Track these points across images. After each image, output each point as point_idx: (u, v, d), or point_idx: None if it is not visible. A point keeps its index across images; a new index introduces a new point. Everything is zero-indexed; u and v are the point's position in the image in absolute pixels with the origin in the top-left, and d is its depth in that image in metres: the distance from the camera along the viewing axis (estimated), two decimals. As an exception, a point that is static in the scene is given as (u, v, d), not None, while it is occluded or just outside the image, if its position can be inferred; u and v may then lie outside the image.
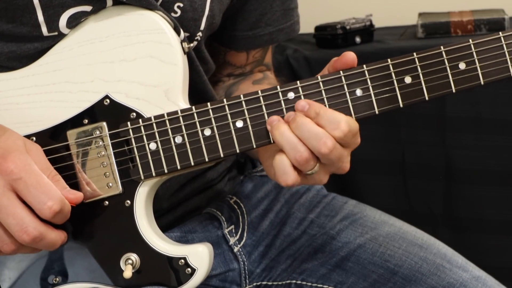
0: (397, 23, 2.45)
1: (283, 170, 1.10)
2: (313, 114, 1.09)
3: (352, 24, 2.22)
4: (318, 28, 2.27)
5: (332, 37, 2.22)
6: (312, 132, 1.08)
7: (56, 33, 1.16)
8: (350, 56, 1.12)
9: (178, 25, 1.18)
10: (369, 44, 2.23)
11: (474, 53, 1.12)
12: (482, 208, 2.08)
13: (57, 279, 1.15)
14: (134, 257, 1.14)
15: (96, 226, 1.15)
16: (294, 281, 1.34)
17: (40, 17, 1.14)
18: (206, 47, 1.37)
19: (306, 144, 1.08)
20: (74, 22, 1.16)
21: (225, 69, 1.47)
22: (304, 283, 1.34)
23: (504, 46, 1.12)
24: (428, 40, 2.15)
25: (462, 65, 1.12)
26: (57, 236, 1.08)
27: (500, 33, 1.13)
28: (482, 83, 1.13)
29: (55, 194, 1.04)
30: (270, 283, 1.36)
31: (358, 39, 2.22)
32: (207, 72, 1.39)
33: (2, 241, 1.06)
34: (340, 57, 1.13)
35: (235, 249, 1.35)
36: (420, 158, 2.03)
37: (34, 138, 1.14)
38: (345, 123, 1.08)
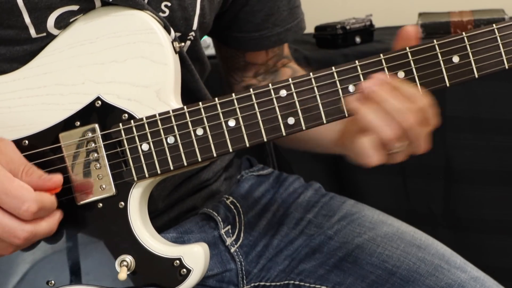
0: (397, 23, 2.44)
1: (366, 152, 1.09)
2: (392, 88, 1.08)
3: (352, 24, 2.22)
4: (318, 28, 2.27)
5: (332, 37, 2.21)
6: (396, 108, 1.07)
7: (44, 34, 1.16)
8: (407, 31, 1.13)
9: (168, 24, 1.18)
10: (369, 44, 2.23)
11: (468, 46, 1.11)
12: (482, 208, 2.07)
13: (53, 282, 1.15)
14: (129, 259, 1.14)
15: (90, 228, 1.15)
16: (292, 282, 1.34)
17: (27, 19, 1.14)
18: (223, 52, 1.37)
19: (391, 121, 1.07)
20: (62, 22, 1.15)
21: (249, 70, 1.47)
22: (302, 283, 1.33)
23: (498, 38, 1.12)
24: (428, 40, 2.14)
25: (455, 59, 1.12)
26: (49, 224, 1.08)
27: (494, 25, 1.12)
28: (477, 76, 1.12)
29: (27, 196, 1.04)
30: (268, 284, 1.35)
31: (358, 39, 2.22)
32: (203, 72, 1.39)
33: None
34: (398, 35, 1.13)
35: (232, 250, 1.35)
36: (420, 158, 2.02)
37: (27, 141, 1.14)
38: (420, 97, 1.08)
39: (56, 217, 1.10)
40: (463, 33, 1.12)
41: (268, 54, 1.46)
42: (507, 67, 1.12)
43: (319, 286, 1.32)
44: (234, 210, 1.39)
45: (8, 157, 1.08)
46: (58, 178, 1.09)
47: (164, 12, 1.22)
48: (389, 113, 1.07)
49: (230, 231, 1.36)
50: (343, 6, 2.56)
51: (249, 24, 1.40)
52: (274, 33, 1.41)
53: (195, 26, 1.27)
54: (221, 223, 1.36)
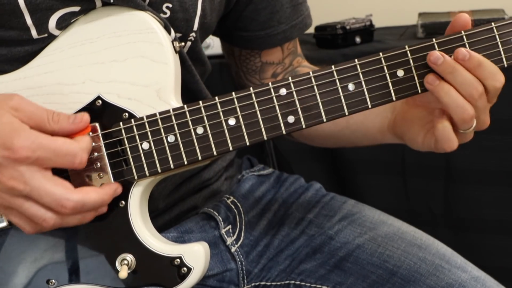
0: (397, 23, 2.45)
1: (448, 136, 1.12)
2: (475, 64, 1.10)
3: (352, 24, 2.22)
4: (318, 28, 2.27)
5: (332, 37, 2.21)
6: (478, 87, 1.10)
7: (46, 35, 1.16)
8: (460, 19, 1.13)
9: (168, 24, 1.18)
10: (369, 44, 2.23)
11: (467, 44, 1.12)
12: (482, 208, 2.07)
13: (53, 281, 1.15)
14: (129, 257, 1.14)
15: (90, 227, 1.14)
16: (292, 282, 1.34)
17: (29, 21, 1.14)
18: (236, 56, 1.37)
19: (472, 99, 1.10)
20: (63, 24, 1.16)
21: (267, 71, 1.47)
22: (303, 283, 1.33)
23: (497, 36, 1.12)
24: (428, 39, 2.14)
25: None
26: (100, 194, 1.09)
27: (493, 23, 1.12)
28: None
29: (75, 149, 1.05)
30: (268, 284, 1.35)
31: (358, 39, 2.22)
32: (203, 73, 1.39)
33: (42, 216, 1.05)
34: (452, 23, 1.14)
35: (233, 249, 1.35)
36: (420, 158, 2.02)
37: None
38: (502, 75, 1.11)
39: (108, 189, 1.11)
40: (462, 31, 1.12)
41: (283, 52, 1.46)
42: (506, 65, 1.13)
43: (320, 286, 1.32)
44: (235, 210, 1.39)
45: (28, 111, 1.07)
46: (86, 117, 1.10)
47: (165, 13, 1.22)
48: (472, 96, 1.10)
49: (230, 230, 1.36)
50: (343, 6, 2.56)
51: (254, 22, 1.40)
52: (280, 30, 1.42)
53: (195, 27, 1.27)
54: (222, 222, 1.36)
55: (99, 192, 1.09)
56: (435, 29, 2.17)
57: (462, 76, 1.10)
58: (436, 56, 1.11)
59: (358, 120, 1.22)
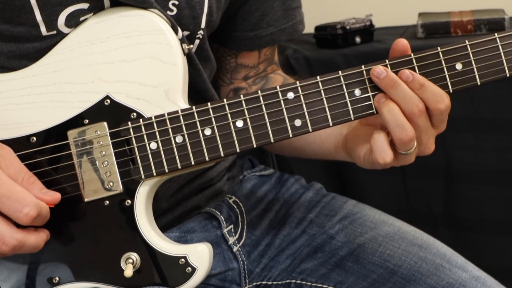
0: (397, 23, 2.45)
1: (382, 147, 1.11)
2: (418, 85, 1.10)
3: (352, 24, 2.22)
4: (318, 28, 2.27)
5: (332, 37, 2.21)
6: (421, 109, 1.10)
7: (55, 32, 1.16)
8: (399, 45, 1.14)
9: (175, 23, 1.19)
10: (369, 44, 2.23)
11: (471, 54, 1.13)
12: (482, 208, 2.07)
13: (57, 278, 1.15)
14: (134, 256, 1.14)
15: (96, 225, 1.15)
16: (293, 281, 1.35)
17: (38, 17, 1.14)
18: (214, 53, 1.38)
19: (413, 121, 1.10)
20: (72, 21, 1.16)
21: (239, 72, 1.48)
22: (304, 282, 1.34)
23: (500, 47, 1.13)
24: (428, 40, 2.15)
25: (459, 66, 1.13)
26: (38, 239, 1.08)
27: (496, 34, 1.14)
28: (479, 83, 1.14)
29: (29, 200, 1.04)
30: (269, 283, 1.36)
31: (358, 39, 2.22)
32: (211, 71, 1.39)
33: None
34: (392, 48, 1.15)
35: (235, 249, 1.35)
36: (420, 158, 2.03)
37: (35, 138, 1.15)
38: (447, 98, 1.11)
39: (44, 235, 1.10)
40: (466, 41, 1.13)
41: (260, 57, 1.47)
42: (508, 75, 1.14)
43: (320, 285, 1.33)
44: (237, 210, 1.39)
45: (8, 162, 1.09)
46: (57, 196, 1.10)
47: (172, 10, 1.23)
48: (413, 113, 1.10)
49: (232, 230, 1.37)
50: (343, 6, 2.56)
51: (245, 23, 1.41)
52: (268, 32, 1.42)
53: (203, 24, 1.28)
54: (224, 222, 1.36)
55: (37, 236, 1.09)
56: (435, 29, 2.17)
57: (403, 92, 1.11)
58: (379, 70, 1.12)
59: (315, 133, 1.23)
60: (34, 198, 1.05)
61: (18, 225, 1.06)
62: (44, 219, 1.07)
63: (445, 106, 1.11)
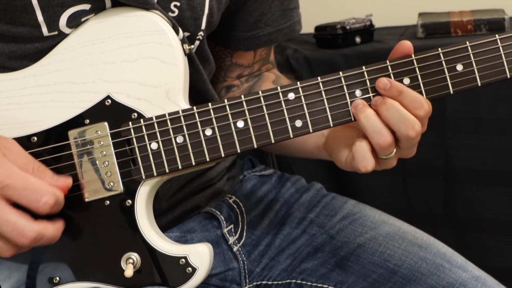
0: (397, 23, 2.45)
1: (363, 156, 1.12)
2: (396, 92, 1.11)
3: (352, 24, 2.22)
4: (318, 28, 2.27)
5: (332, 37, 2.21)
6: (402, 115, 1.10)
7: (56, 33, 1.16)
8: (403, 46, 1.14)
9: (176, 24, 1.19)
10: (369, 44, 2.23)
11: (471, 55, 1.13)
12: (482, 208, 2.08)
13: (58, 278, 1.15)
14: (135, 256, 1.14)
15: (97, 225, 1.15)
16: (294, 281, 1.35)
17: (40, 18, 1.14)
18: (210, 50, 1.38)
19: (393, 128, 1.10)
20: (74, 21, 1.16)
21: (234, 71, 1.48)
22: (304, 282, 1.34)
23: (501, 48, 1.14)
24: (428, 40, 2.15)
25: (459, 67, 1.13)
26: (55, 229, 1.09)
27: (497, 35, 1.14)
28: (479, 84, 1.14)
29: (45, 189, 1.05)
30: (270, 283, 1.36)
31: (358, 39, 2.22)
32: (210, 72, 1.39)
33: (1, 248, 1.06)
34: (395, 49, 1.15)
35: (235, 249, 1.35)
36: (420, 158, 2.02)
37: (35, 138, 1.15)
38: (426, 103, 1.11)
39: (61, 225, 1.11)
40: (467, 42, 1.14)
41: (255, 57, 1.47)
42: (508, 76, 1.15)
43: (321, 285, 1.33)
44: (237, 210, 1.39)
45: (15, 154, 1.09)
46: (69, 180, 1.11)
47: (173, 12, 1.23)
48: (390, 120, 1.11)
49: (232, 230, 1.37)
50: (343, 6, 2.56)
51: (243, 23, 1.41)
52: (266, 32, 1.42)
53: (203, 26, 1.28)
54: (224, 222, 1.36)
55: (55, 226, 1.09)
56: (435, 29, 2.17)
57: (393, 109, 1.11)
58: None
59: None
60: (49, 186, 1.06)
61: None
62: (60, 205, 1.08)
63: (425, 112, 1.11)
